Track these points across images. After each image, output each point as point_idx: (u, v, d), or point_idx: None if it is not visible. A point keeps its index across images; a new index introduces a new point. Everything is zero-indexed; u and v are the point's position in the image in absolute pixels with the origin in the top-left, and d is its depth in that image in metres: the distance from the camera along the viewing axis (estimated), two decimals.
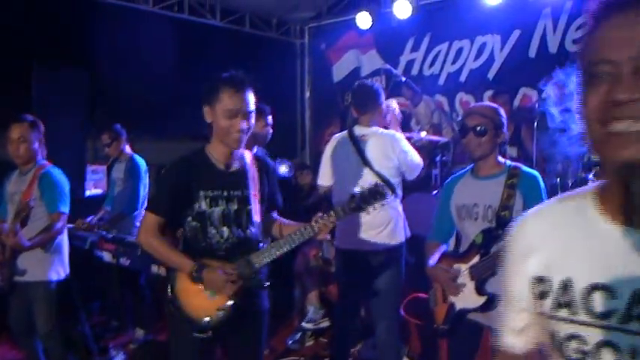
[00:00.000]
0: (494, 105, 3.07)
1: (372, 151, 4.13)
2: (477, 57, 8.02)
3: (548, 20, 7.35)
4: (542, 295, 1.16)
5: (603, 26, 1.05)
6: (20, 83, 6.92)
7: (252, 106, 2.79)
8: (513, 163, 2.99)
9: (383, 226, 4.09)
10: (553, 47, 7.35)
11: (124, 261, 4.49)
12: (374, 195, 2.79)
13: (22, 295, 4.12)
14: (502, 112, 2.99)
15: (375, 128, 4.20)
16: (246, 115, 2.77)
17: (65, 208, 4.13)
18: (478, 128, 2.89)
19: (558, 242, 1.16)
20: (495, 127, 2.92)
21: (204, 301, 2.79)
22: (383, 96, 4.31)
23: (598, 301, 1.08)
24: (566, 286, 1.12)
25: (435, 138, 6.48)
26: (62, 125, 6.63)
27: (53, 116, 6.09)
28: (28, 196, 4.00)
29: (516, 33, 7.63)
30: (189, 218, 2.85)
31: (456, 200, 3.04)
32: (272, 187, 3.09)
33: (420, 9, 7.79)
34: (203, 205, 2.83)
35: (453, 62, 8.26)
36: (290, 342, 5.43)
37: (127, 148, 5.85)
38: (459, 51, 8.21)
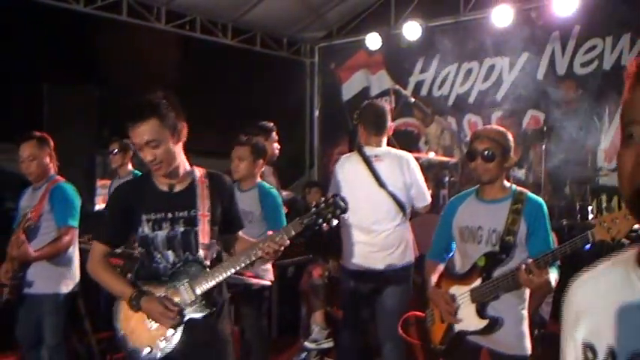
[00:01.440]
0: (502, 129, 3.07)
1: (386, 171, 4.12)
2: (486, 78, 8.07)
3: (556, 43, 7.39)
4: None
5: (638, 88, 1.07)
6: (32, 102, 7.01)
7: (148, 136, 2.59)
8: (519, 188, 2.99)
9: (395, 247, 4.09)
10: (561, 70, 7.38)
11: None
12: (331, 209, 2.62)
13: (31, 307, 4.13)
14: (510, 136, 2.99)
15: (387, 148, 4.19)
16: (146, 147, 2.61)
17: (74, 223, 4.14)
18: (487, 153, 2.88)
19: (602, 309, 1.15)
20: (504, 152, 2.90)
21: (145, 330, 2.69)
22: (388, 115, 4.31)
23: None
24: (610, 354, 1.11)
25: (443, 158, 6.50)
26: (72, 142, 6.69)
27: (64, 133, 6.14)
28: (39, 211, 4.02)
29: (525, 55, 7.67)
30: (136, 243, 2.81)
31: (459, 221, 3.03)
32: (229, 204, 2.87)
33: (429, 30, 7.85)
34: (146, 229, 2.72)
35: (462, 83, 8.31)
36: None
37: (130, 165, 5.92)
38: (468, 72, 8.26)
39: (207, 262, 2.72)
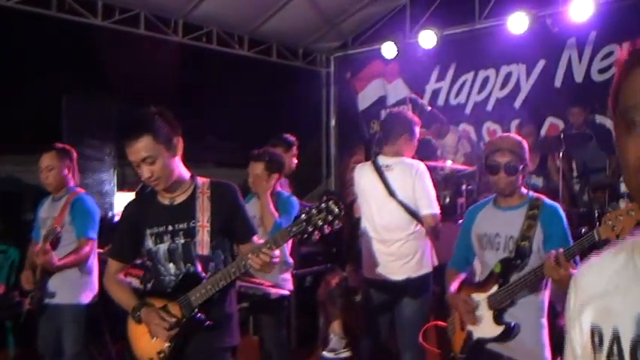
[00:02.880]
0: (518, 137, 3.08)
1: (396, 181, 4.13)
2: (503, 86, 8.04)
3: (573, 50, 7.36)
4: (597, 347, 1.16)
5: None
6: (51, 114, 7.10)
7: (144, 153, 2.61)
8: (535, 195, 2.99)
9: (410, 256, 4.08)
10: (579, 77, 7.34)
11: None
12: (322, 215, 2.41)
13: (52, 317, 4.17)
14: (525, 144, 3.01)
15: (400, 158, 4.19)
16: (143, 164, 2.63)
17: (94, 235, 4.20)
18: (510, 166, 2.89)
19: (609, 293, 1.15)
20: (523, 162, 2.93)
21: (147, 342, 2.71)
22: (414, 125, 4.26)
23: None
24: (615, 338, 1.11)
25: (460, 167, 6.48)
26: (91, 153, 6.77)
27: (82, 144, 6.23)
28: (60, 222, 4.08)
29: (542, 63, 7.64)
30: (145, 258, 2.86)
31: (478, 229, 3.05)
32: (233, 213, 2.80)
33: (444, 39, 7.84)
34: (149, 243, 2.78)
35: (479, 91, 8.28)
36: None
37: None
38: (485, 80, 8.23)
39: (204, 274, 2.70)
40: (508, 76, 8.01)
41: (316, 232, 2.44)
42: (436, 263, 4.23)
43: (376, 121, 9.46)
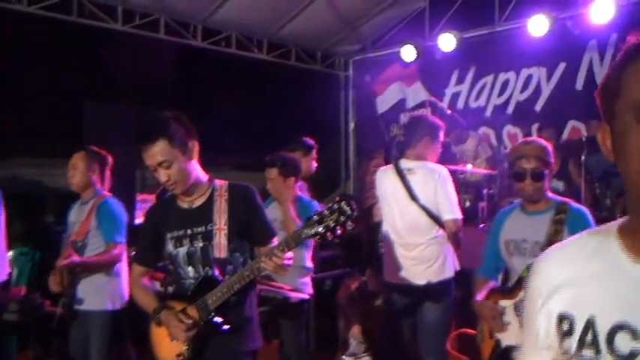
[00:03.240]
0: (543, 142, 3.05)
1: (418, 185, 4.11)
2: (524, 89, 7.97)
3: (594, 52, 7.28)
4: (567, 334, 1.13)
5: None
6: (72, 118, 7.17)
7: (159, 157, 2.64)
8: (562, 199, 2.96)
9: (432, 260, 4.05)
10: (600, 79, 7.25)
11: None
12: (334, 216, 2.36)
13: (81, 323, 4.16)
14: (549, 148, 2.99)
15: (422, 162, 4.16)
16: (159, 167, 2.67)
17: (121, 239, 4.15)
18: (537, 172, 2.87)
19: (582, 279, 1.13)
20: (548, 167, 2.91)
21: (167, 345, 2.73)
22: (439, 130, 4.23)
23: (622, 341, 1.04)
24: (590, 325, 1.09)
25: (481, 171, 6.44)
26: (112, 157, 6.82)
27: (103, 148, 6.27)
28: (87, 227, 4.08)
29: (562, 65, 7.57)
30: (167, 262, 2.88)
31: (505, 235, 3.02)
32: (251, 215, 2.79)
33: (464, 41, 7.80)
34: (170, 246, 2.80)
35: (499, 94, 8.22)
36: None
37: None
38: (505, 83, 8.18)
39: (221, 277, 2.71)
40: (528, 79, 7.94)
41: (328, 234, 2.40)
42: (458, 268, 4.20)
43: (395, 124, 9.44)
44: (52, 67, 7.09)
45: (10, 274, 5.15)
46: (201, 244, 2.73)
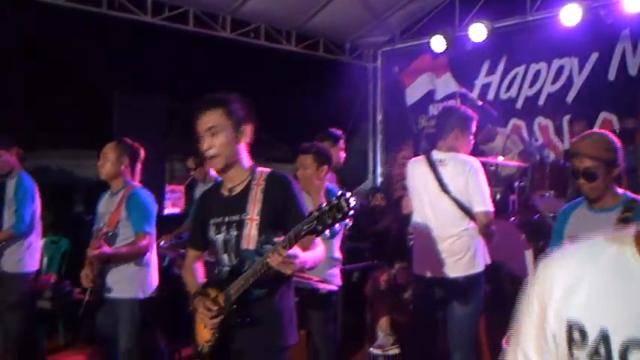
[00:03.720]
0: (603, 136, 2.88)
1: (449, 176, 4.05)
2: (555, 80, 7.84)
3: (627, 42, 7.13)
4: (577, 343, 1.07)
5: None
6: (103, 109, 7.23)
7: (205, 125, 2.68)
8: (632, 196, 2.83)
9: (463, 253, 4.00)
10: (633, 70, 7.11)
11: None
12: (332, 212, 2.31)
13: (109, 310, 4.20)
14: (614, 143, 2.81)
15: (454, 153, 4.11)
16: (206, 133, 2.68)
17: (150, 229, 4.19)
18: (589, 173, 2.76)
19: (595, 286, 1.07)
20: (607, 165, 2.76)
21: (202, 330, 2.76)
22: (470, 122, 4.17)
23: (635, 358, 0.99)
24: (603, 339, 1.03)
25: (512, 163, 6.34)
26: (140, 147, 6.88)
27: (133, 140, 6.32)
28: (117, 217, 4.10)
29: (595, 55, 7.43)
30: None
31: (570, 231, 2.90)
32: (286, 206, 2.73)
33: (495, 32, 7.69)
34: (211, 232, 2.81)
35: (531, 85, 8.10)
36: None
37: (212, 171, 5.98)
38: (537, 74, 8.05)
39: (245, 267, 2.65)
40: (560, 69, 7.81)
41: (327, 231, 2.35)
42: (488, 262, 4.13)
43: (424, 116, 9.37)
44: (82, 60, 7.16)
45: (41, 262, 5.25)
46: (235, 233, 2.72)
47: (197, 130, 2.70)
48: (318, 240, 2.68)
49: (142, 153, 4.42)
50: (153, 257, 4.30)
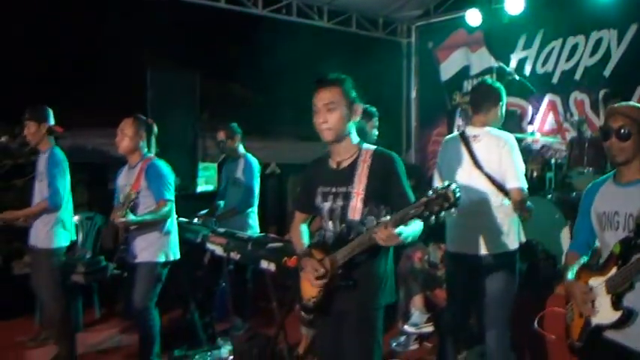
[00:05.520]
0: (638, 105, 2.82)
1: (482, 152, 3.98)
2: (593, 53, 7.63)
3: None
4: None
5: None
6: (136, 87, 7.27)
7: (328, 99, 2.94)
8: None
9: (496, 230, 3.92)
10: None
11: (234, 255, 4.60)
12: (440, 201, 2.48)
13: (131, 274, 4.42)
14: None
15: (488, 128, 4.02)
16: (323, 108, 2.94)
17: (170, 196, 4.40)
18: (622, 131, 2.68)
19: None
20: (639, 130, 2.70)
21: (307, 287, 3.01)
22: (502, 93, 4.08)
23: None
24: None
25: (549, 139, 6.22)
26: (174, 125, 6.92)
27: (166, 117, 6.37)
28: (137, 188, 4.30)
29: (634, 27, 7.19)
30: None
31: (597, 208, 2.83)
32: (388, 182, 2.96)
33: (532, 4, 7.50)
34: (318, 200, 3.09)
35: (568, 59, 7.90)
36: (394, 344, 5.35)
37: (241, 148, 5.98)
38: (574, 47, 7.84)
39: (351, 237, 2.90)
40: (598, 42, 7.58)
41: (432, 218, 2.52)
42: (523, 240, 4.05)
43: (458, 92, 9.22)
44: (115, 38, 7.20)
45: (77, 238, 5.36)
46: (341, 203, 2.99)
47: (314, 103, 2.98)
48: None
49: (156, 128, 4.63)
50: (174, 224, 4.55)
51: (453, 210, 2.49)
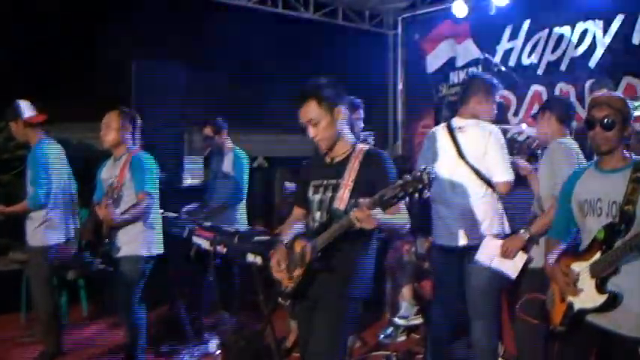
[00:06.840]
0: (622, 95, 2.91)
1: (467, 143, 3.99)
2: (579, 44, 7.64)
3: None
4: None
5: None
6: (120, 79, 7.20)
7: (305, 118, 3.08)
8: None
9: (479, 220, 3.94)
10: None
11: (221, 249, 4.58)
12: (414, 183, 2.59)
13: (116, 268, 4.37)
14: (630, 103, 2.83)
15: (474, 120, 4.03)
16: (308, 124, 3.09)
17: (152, 189, 4.38)
18: (606, 121, 2.74)
19: None
20: (623, 120, 2.76)
21: (284, 274, 3.13)
22: (494, 89, 4.12)
23: None
24: None
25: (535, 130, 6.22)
26: (160, 118, 6.85)
27: (151, 110, 6.31)
28: (122, 180, 4.30)
29: (620, 17, 7.20)
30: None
31: (579, 195, 2.88)
32: (377, 178, 3.02)
33: None
34: (310, 193, 3.23)
35: (553, 50, 7.91)
36: (382, 336, 5.37)
37: (229, 142, 5.96)
38: (560, 38, 7.84)
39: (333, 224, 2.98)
40: (584, 33, 7.59)
41: (406, 199, 2.67)
42: (508, 231, 4.07)
43: (445, 84, 9.23)
44: (100, 30, 7.13)
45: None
46: (330, 194, 3.12)
47: (300, 119, 3.11)
48: (403, 210, 3.02)
49: (139, 121, 4.59)
50: (157, 219, 4.53)
51: (425, 191, 2.58)
